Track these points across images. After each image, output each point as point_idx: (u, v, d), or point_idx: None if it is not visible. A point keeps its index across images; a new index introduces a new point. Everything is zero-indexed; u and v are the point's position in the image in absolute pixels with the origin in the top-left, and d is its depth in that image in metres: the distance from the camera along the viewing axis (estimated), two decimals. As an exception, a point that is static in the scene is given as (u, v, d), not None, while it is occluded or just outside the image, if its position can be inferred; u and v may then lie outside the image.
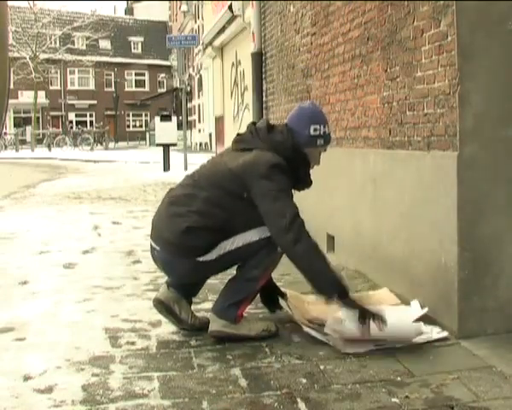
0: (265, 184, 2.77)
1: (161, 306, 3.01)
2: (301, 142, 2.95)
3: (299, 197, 5.53)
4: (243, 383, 2.42)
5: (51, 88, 47.45)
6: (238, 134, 3.08)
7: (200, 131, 31.80)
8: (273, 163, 2.81)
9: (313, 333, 2.87)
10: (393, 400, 2.23)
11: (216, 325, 2.88)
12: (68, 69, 47.74)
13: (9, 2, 1.93)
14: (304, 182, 3.09)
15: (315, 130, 2.95)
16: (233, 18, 11.05)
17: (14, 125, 41.85)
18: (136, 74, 52.26)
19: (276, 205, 2.75)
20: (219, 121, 15.22)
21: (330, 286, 2.72)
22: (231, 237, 2.84)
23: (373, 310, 2.71)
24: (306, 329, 2.92)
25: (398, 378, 2.41)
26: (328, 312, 2.88)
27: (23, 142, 36.07)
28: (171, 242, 2.85)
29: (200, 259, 2.83)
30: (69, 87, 48.72)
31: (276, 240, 2.77)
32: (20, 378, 2.47)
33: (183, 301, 3.01)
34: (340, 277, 2.81)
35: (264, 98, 6.93)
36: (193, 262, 2.83)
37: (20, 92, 43.01)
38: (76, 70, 48.34)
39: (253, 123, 3.07)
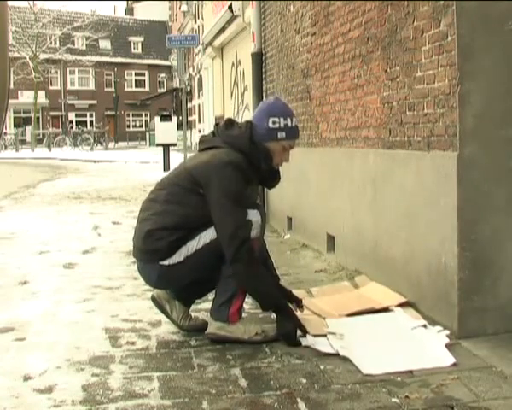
0: (216, 186, 2.76)
1: (155, 302, 3.08)
2: (261, 135, 2.91)
3: (299, 197, 5.52)
4: (243, 383, 2.42)
5: (51, 88, 47.43)
6: (202, 136, 3.13)
7: (200, 131, 31.77)
8: (225, 161, 2.80)
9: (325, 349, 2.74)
10: (393, 400, 2.23)
11: (211, 327, 2.88)
12: (68, 69, 47.73)
13: (9, 2, 1.93)
14: (270, 178, 3.04)
15: (273, 122, 2.91)
16: (233, 18, 11.05)
17: (14, 126, 41.82)
18: (136, 74, 52.22)
19: (223, 215, 2.76)
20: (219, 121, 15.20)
21: (268, 303, 2.89)
22: (196, 236, 2.82)
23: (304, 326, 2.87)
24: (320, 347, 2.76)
25: (398, 378, 2.41)
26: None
27: (23, 142, 36.07)
28: (138, 248, 2.93)
29: (166, 262, 2.82)
30: (69, 87, 48.69)
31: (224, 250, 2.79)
32: (20, 378, 2.48)
33: (174, 302, 3.03)
34: (276, 294, 2.92)
35: (264, 98, 6.93)
36: (158, 267, 2.84)
37: (20, 92, 43.01)
38: (76, 70, 48.33)
39: (217, 124, 3.08)
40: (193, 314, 3.10)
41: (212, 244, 2.81)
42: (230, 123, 3.01)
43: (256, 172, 2.91)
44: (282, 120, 2.93)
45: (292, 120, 2.97)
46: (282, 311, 2.88)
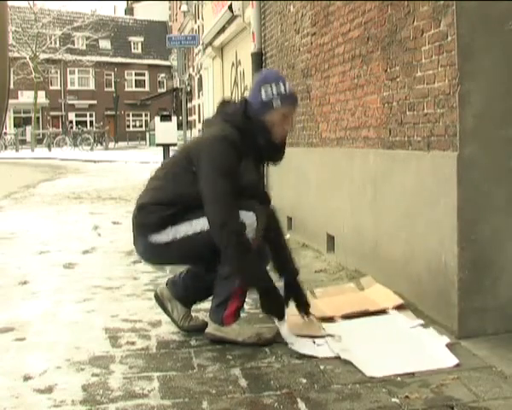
0: (206, 160, 2.75)
1: (158, 300, 3.10)
2: (256, 109, 2.86)
3: (299, 197, 5.51)
4: (243, 383, 2.42)
5: (51, 88, 47.43)
6: (206, 118, 3.17)
7: (200, 131, 31.77)
8: (216, 136, 2.80)
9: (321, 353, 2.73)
10: (393, 400, 2.23)
11: (210, 327, 2.89)
12: (68, 69, 47.72)
13: (9, 2, 1.93)
14: (270, 152, 2.95)
15: (265, 91, 2.87)
16: (233, 18, 11.05)
17: (14, 126, 41.81)
18: (136, 74, 52.22)
19: (213, 195, 2.71)
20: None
21: (251, 282, 2.85)
22: (187, 221, 2.78)
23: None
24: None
25: (398, 378, 2.41)
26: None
27: (23, 142, 36.06)
28: (133, 223, 2.95)
29: (153, 239, 2.81)
30: (69, 87, 48.68)
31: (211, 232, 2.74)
32: (20, 378, 2.48)
33: (176, 302, 3.04)
34: (265, 277, 2.86)
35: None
36: (146, 242, 2.85)
37: (20, 92, 43.01)
38: (76, 70, 48.32)
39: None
40: (193, 314, 3.10)
41: (201, 235, 2.76)
42: (227, 102, 3.04)
43: (253, 147, 2.85)
44: (273, 86, 2.88)
45: (285, 86, 2.92)
46: (268, 294, 2.84)
